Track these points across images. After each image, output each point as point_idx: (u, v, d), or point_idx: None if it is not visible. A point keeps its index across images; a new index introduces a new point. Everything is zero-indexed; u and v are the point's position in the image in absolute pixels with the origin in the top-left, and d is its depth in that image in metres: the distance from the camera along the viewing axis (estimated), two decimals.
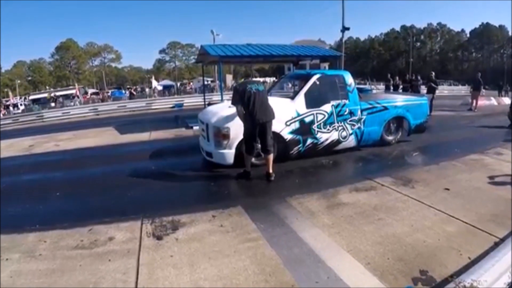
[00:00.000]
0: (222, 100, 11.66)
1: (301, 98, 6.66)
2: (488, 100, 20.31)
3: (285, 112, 6.41)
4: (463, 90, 34.61)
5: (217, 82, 35.23)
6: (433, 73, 15.48)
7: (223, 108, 6.80)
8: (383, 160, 7.01)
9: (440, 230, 3.66)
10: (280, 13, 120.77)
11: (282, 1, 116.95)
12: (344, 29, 21.13)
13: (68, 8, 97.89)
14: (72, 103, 29.27)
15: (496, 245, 3.22)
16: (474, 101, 16.80)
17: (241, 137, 5.92)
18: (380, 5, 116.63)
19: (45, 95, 42.61)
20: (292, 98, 6.81)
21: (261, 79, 53.96)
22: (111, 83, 77.43)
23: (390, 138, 8.01)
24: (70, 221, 4.25)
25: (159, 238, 3.67)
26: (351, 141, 7.27)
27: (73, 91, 39.52)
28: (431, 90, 14.87)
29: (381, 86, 27.05)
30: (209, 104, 11.34)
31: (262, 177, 5.70)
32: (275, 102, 6.14)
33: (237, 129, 5.91)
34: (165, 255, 3.28)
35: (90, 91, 48.39)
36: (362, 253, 3.19)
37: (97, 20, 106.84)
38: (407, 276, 2.82)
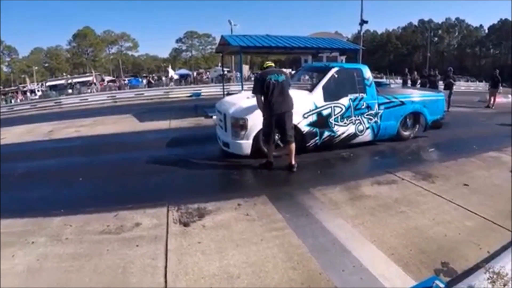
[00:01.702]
0: (242, 90, 11.71)
1: (319, 90, 6.68)
2: (505, 98, 19.96)
3: (303, 105, 6.43)
4: (480, 86, 34.11)
5: (234, 72, 35.29)
6: (452, 69, 15.30)
7: (241, 98, 6.90)
8: (401, 154, 7.03)
9: (460, 224, 3.72)
10: (296, 4, 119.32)
11: None
12: (363, 22, 20.92)
13: None
14: (89, 90, 29.60)
15: None
16: (492, 98, 16.58)
17: (258, 128, 6.01)
18: None
19: (62, 81, 43.16)
20: (310, 90, 6.85)
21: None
22: (127, 71, 77.94)
23: (406, 133, 7.99)
24: (95, 206, 4.33)
25: (186, 224, 3.75)
26: (367, 135, 7.27)
27: (90, 78, 40.01)
28: (449, 86, 14.71)
29: (399, 81, 26.72)
30: (228, 94, 11.43)
31: (283, 167, 5.78)
32: (293, 94, 6.18)
33: (254, 120, 6.00)
34: (193, 242, 3.37)
35: (107, 78, 48.77)
36: (386, 244, 3.27)
37: (114, 9, 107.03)
38: (430, 267, 2.89)
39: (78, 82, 38.83)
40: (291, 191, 4.75)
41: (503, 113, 14.06)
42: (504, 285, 1.69)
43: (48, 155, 7.80)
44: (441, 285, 2.12)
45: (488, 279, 1.75)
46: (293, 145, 5.72)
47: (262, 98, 5.57)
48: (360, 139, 7.20)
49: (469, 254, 3.09)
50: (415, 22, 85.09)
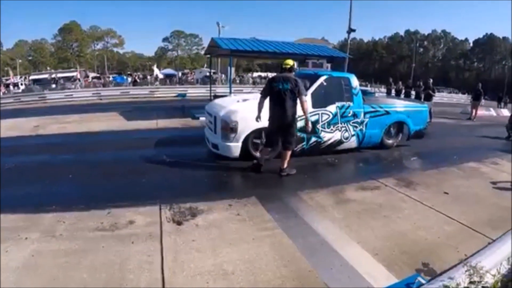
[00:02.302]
0: (230, 93, 11.82)
1: (308, 97, 6.87)
2: (487, 111, 20.66)
3: None
4: (463, 98, 35.08)
5: (220, 74, 35.37)
6: (431, 80, 15.67)
7: (231, 102, 7.07)
8: (385, 162, 7.28)
9: (440, 229, 3.96)
10: (284, 9, 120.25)
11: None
12: (350, 30, 21.32)
13: None
14: (73, 86, 29.21)
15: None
16: (474, 111, 17.11)
17: (248, 131, 6.22)
18: (386, 8, 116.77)
19: (46, 75, 42.43)
20: None
21: (263, 74, 54.00)
22: (112, 68, 76.88)
23: (390, 141, 8.26)
24: (86, 203, 4.34)
25: (179, 223, 3.85)
26: (352, 142, 7.51)
27: (74, 74, 39.47)
28: (428, 98, 15.03)
29: (383, 89, 27.30)
30: (215, 96, 11.50)
31: (272, 170, 5.94)
32: None
33: (244, 123, 6.19)
34: (187, 240, 3.48)
35: (91, 75, 48.09)
36: (371, 245, 3.47)
37: (101, 4, 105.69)
38: (411, 267, 3.10)
39: (62, 77, 38.22)
40: (279, 193, 4.92)
41: (483, 125, 14.63)
42: (480, 277, 1.88)
43: (35, 151, 7.69)
44: (423, 281, 2.31)
45: (466, 271, 1.95)
46: (288, 152, 5.85)
47: (263, 101, 5.76)
48: (345, 145, 7.43)
49: (447, 256, 3.30)
50: (402, 33, 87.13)
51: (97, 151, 7.73)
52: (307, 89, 7.05)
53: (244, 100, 7.11)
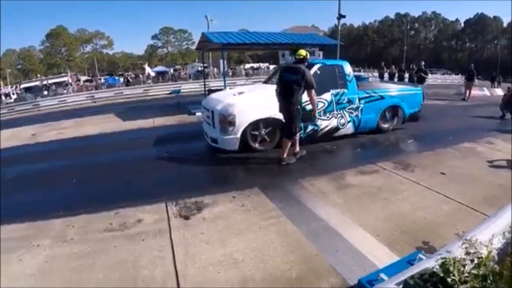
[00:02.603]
0: (225, 87, 11.86)
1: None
2: (481, 91, 20.75)
3: None
4: (456, 79, 35.17)
5: (212, 68, 35.34)
6: (423, 63, 15.77)
7: (227, 95, 7.17)
8: (382, 146, 7.41)
9: (438, 209, 4.11)
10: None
11: None
12: (340, 16, 21.39)
13: None
14: (66, 91, 29.06)
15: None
16: (468, 91, 17.21)
17: (246, 124, 6.34)
18: None
19: (37, 83, 42.18)
20: None
21: (255, 65, 53.98)
22: (102, 69, 76.45)
23: (385, 125, 8.38)
24: (93, 206, 4.40)
25: (186, 218, 3.98)
26: (349, 128, 7.64)
27: (65, 79, 39.29)
28: (421, 80, 15.14)
29: (376, 74, 27.37)
30: (210, 91, 11.55)
31: (271, 160, 6.11)
32: None
33: (242, 116, 6.32)
34: (195, 233, 3.60)
35: (83, 78, 47.87)
36: (372, 227, 3.62)
37: (88, 6, 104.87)
38: (412, 245, 3.23)
39: (54, 83, 38.02)
40: (281, 183, 5.05)
41: (477, 105, 14.75)
42: (475, 249, 2.01)
43: (36, 159, 7.73)
44: (424, 257, 2.44)
45: (462, 245, 2.07)
46: (288, 141, 6.01)
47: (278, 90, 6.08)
48: (342, 132, 7.56)
49: (446, 234, 3.43)
50: (392, 16, 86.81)
51: (97, 154, 7.78)
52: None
53: (240, 93, 7.22)
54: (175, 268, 3.01)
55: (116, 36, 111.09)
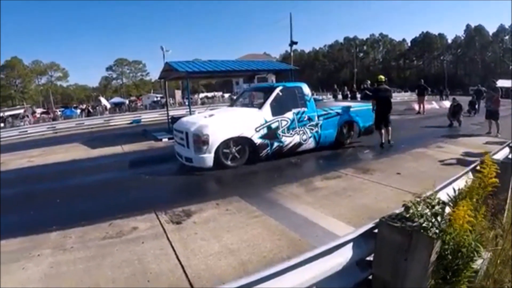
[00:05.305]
0: (190, 113, 12.23)
1: (267, 107, 7.72)
2: (430, 104, 22.34)
3: (255, 120, 7.47)
4: (406, 96, 37.58)
5: (168, 98, 35.53)
6: (369, 82, 16.93)
7: (199, 118, 7.79)
8: (342, 156, 8.31)
9: (398, 199, 4.62)
10: (223, 28, 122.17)
11: (226, 17, 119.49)
12: (292, 43, 22.71)
13: (12, 26, 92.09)
14: (22, 123, 28.15)
15: None
16: (421, 105, 18.53)
17: (218, 142, 6.95)
18: (324, 18, 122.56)
19: None
20: (260, 107, 7.86)
21: (210, 94, 54.50)
22: (57, 101, 74.01)
23: (343, 139, 9.24)
24: (87, 219, 4.57)
25: (178, 223, 4.39)
26: (310, 143, 8.39)
27: (20, 111, 37.85)
28: (366, 98, 16.23)
29: (329, 96, 28.80)
30: (174, 118, 11.90)
31: (243, 174, 6.81)
32: (245, 111, 7.19)
33: (214, 136, 6.93)
34: (190, 233, 4.04)
35: (38, 110, 46.25)
36: (343, 216, 4.31)
37: (42, 38, 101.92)
38: None
39: (10, 115, 36.47)
40: (257, 191, 5.64)
41: (428, 118, 16.26)
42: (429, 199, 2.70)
43: (11, 184, 7.43)
44: None
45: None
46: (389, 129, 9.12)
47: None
48: (304, 147, 8.30)
49: None
50: (341, 40, 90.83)
51: (74, 177, 7.84)
52: (265, 100, 7.92)
53: (210, 115, 7.81)
54: (179, 261, 3.41)
55: (71, 67, 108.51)
